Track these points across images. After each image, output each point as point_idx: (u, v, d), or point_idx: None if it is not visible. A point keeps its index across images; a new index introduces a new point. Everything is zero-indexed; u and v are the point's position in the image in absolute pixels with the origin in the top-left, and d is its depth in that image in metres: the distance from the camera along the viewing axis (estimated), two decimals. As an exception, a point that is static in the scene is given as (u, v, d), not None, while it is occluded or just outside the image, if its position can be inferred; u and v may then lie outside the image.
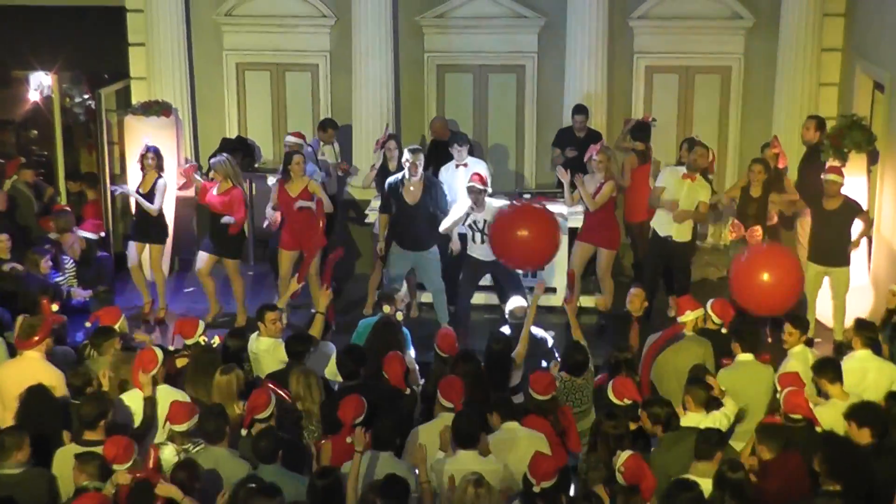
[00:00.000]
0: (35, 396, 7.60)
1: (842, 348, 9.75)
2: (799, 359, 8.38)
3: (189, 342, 8.66)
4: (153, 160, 11.63)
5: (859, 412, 7.14)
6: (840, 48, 13.11)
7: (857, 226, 10.67)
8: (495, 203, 10.93)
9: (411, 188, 11.08)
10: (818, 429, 7.34)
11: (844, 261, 10.72)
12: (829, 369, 7.86)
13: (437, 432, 7.32)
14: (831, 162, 10.96)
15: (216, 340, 8.83)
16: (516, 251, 10.11)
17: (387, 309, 9.38)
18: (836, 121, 11.83)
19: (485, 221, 10.84)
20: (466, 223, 11.02)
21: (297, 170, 11.20)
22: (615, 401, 7.64)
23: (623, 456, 6.63)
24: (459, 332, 9.97)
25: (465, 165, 11.75)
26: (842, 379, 7.83)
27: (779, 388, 7.60)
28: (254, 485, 6.36)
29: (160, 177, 11.68)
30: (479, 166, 11.78)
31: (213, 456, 7.06)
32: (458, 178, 11.70)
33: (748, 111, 13.58)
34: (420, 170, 11.07)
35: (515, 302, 9.68)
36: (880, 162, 11.42)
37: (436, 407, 7.78)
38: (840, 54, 13.12)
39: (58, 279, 11.42)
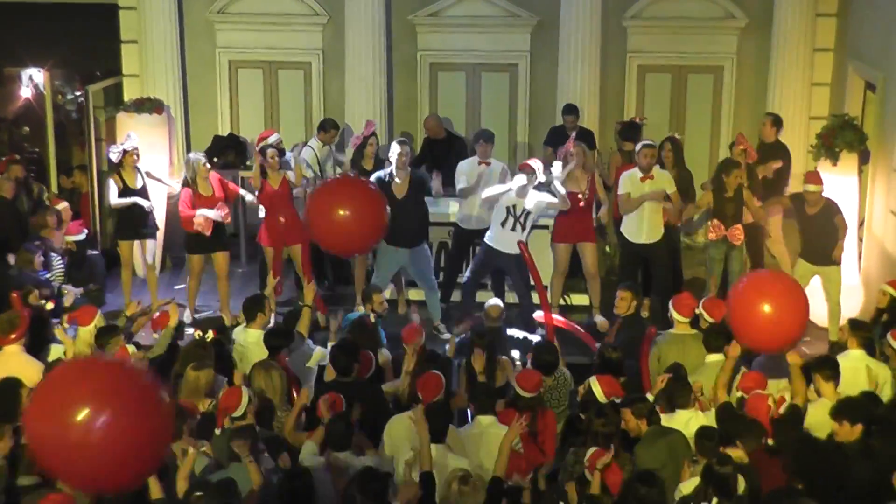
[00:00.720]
0: (6, 389, 7.52)
1: (835, 348, 9.79)
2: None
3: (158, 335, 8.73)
4: (131, 156, 11.49)
5: (847, 409, 7.14)
6: (832, 48, 13.13)
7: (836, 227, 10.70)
8: (539, 196, 10.71)
9: (398, 181, 10.86)
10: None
11: (835, 259, 10.74)
12: (826, 367, 7.86)
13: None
14: (811, 169, 11.03)
15: (210, 335, 8.77)
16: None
17: (361, 309, 9.41)
18: (828, 120, 11.82)
19: (524, 210, 10.60)
20: (504, 205, 10.65)
21: (273, 164, 11.15)
22: (601, 399, 7.64)
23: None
24: (464, 318, 9.97)
25: (488, 164, 11.36)
26: (837, 380, 7.82)
27: (739, 392, 7.72)
28: (200, 493, 6.23)
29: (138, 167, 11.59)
30: (499, 166, 11.62)
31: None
32: (475, 174, 11.32)
33: (741, 111, 13.60)
34: (408, 162, 10.95)
35: (493, 301, 9.72)
36: (871, 162, 11.44)
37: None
38: (832, 54, 13.14)
39: (47, 276, 11.37)
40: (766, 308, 8.11)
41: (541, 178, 10.71)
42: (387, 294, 10.23)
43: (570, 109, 12.55)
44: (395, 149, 10.87)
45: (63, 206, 12.27)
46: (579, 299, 11.79)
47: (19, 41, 15.42)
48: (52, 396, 5.65)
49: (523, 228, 10.70)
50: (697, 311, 8.91)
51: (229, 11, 13.91)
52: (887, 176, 11.06)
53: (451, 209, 11.65)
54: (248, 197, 11.72)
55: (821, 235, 10.64)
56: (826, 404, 7.54)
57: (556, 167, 10.83)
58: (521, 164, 10.91)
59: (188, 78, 13.96)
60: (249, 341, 8.92)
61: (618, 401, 7.56)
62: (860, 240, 11.50)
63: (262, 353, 8.56)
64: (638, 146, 11.03)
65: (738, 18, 13.38)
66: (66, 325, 9.26)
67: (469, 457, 7.28)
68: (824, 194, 10.65)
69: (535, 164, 10.75)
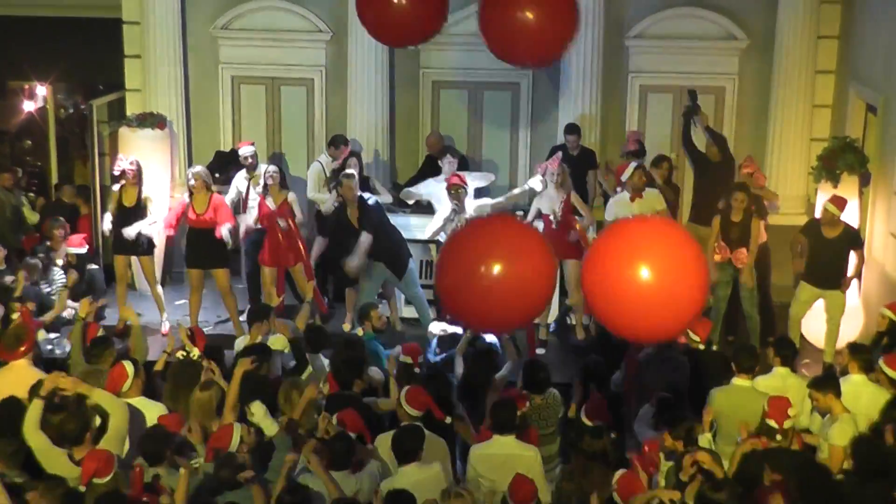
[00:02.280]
0: (8, 408, 7.44)
1: (832, 370, 9.79)
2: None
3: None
4: (133, 173, 11.46)
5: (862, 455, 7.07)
6: (833, 70, 13.16)
7: (853, 258, 10.67)
8: (479, 202, 10.95)
9: (349, 211, 11.04)
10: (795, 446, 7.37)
11: (840, 284, 10.73)
12: (831, 384, 7.82)
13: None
14: (835, 192, 10.98)
15: (195, 353, 8.69)
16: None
17: (361, 332, 9.44)
18: (829, 142, 11.85)
19: (466, 220, 10.78)
20: (451, 227, 10.92)
21: (274, 183, 11.21)
22: (586, 422, 7.63)
23: (618, 473, 6.68)
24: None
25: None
26: (840, 395, 7.80)
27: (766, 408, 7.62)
28: None
29: (141, 186, 11.57)
30: (473, 179, 11.78)
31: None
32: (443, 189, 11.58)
33: (742, 131, 13.61)
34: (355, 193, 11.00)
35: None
36: (872, 184, 11.46)
37: (399, 412, 7.75)
38: (833, 76, 13.16)
39: (46, 290, 11.39)
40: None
41: (468, 189, 11.17)
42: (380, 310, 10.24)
43: (572, 129, 12.58)
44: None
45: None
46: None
47: (23, 55, 15.48)
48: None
49: None
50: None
51: (232, 27, 13.94)
52: (888, 198, 11.08)
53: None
54: (241, 227, 11.71)
55: (833, 260, 10.61)
56: (845, 419, 7.53)
57: (534, 181, 11.00)
58: (450, 175, 11.17)
59: (191, 93, 13.98)
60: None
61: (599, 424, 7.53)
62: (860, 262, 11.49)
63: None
64: (630, 169, 11.05)
65: (740, 39, 13.40)
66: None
67: (485, 474, 7.26)
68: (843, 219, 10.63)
69: (471, 180, 11.36)
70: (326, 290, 12.41)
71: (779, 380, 8.39)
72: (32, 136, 16.73)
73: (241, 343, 9.20)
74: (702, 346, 8.89)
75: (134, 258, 11.80)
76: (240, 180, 12.12)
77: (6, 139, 16.37)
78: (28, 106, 16.57)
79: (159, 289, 11.96)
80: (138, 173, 11.49)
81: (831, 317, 10.78)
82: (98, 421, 7.33)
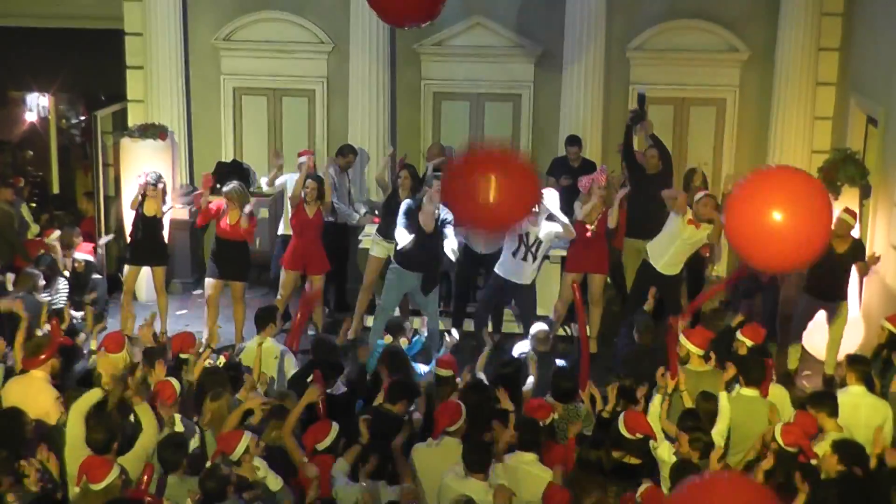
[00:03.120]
0: (7, 418, 7.47)
1: (832, 382, 9.80)
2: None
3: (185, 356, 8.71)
4: (159, 188, 11.65)
5: (843, 449, 7.12)
6: (834, 82, 13.18)
7: (855, 270, 10.71)
8: (550, 226, 10.77)
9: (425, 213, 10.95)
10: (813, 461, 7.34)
11: (842, 295, 10.73)
12: (826, 403, 7.81)
13: (439, 455, 7.29)
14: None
15: (221, 360, 8.82)
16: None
17: (403, 342, 9.46)
18: (830, 154, 11.88)
19: (537, 240, 10.74)
20: (516, 234, 10.68)
21: (312, 195, 11.34)
22: (626, 434, 7.43)
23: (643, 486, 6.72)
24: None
25: None
26: (837, 414, 7.79)
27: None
28: None
29: (164, 202, 11.77)
30: None
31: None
32: None
33: (743, 143, 13.63)
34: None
35: (538, 326, 9.72)
36: (872, 196, 11.47)
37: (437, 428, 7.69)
38: (834, 88, 13.18)
39: (49, 300, 11.38)
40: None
41: (553, 209, 10.76)
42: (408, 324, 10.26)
43: (574, 140, 12.60)
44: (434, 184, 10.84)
45: (55, 235, 12.29)
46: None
47: (24, 65, 15.49)
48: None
49: (534, 258, 10.76)
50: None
51: (234, 38, 13.98)
52: (888, 210, 11.09)
53: None
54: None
55: (839, 274, 10.61)
56: (829, 439, 7.53)
57: (576, 208, 11.11)
58: None
59: (192, 104, 14.01)
60: (265, 347, 9.21)
61: (640, 437, 7.44)
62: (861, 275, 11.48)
63: (272, 361, 8.88)
64: (699, 195, 10.82)
65: (741, 51, 13.43)
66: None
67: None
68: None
69: (548, 193, 10.75)
70: (327, 301, 12.42)
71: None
72: (34, 147, 16.74)
73: (250, 348, 9.31)
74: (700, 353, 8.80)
75: (146, 268, 11.84)
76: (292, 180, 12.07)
77: (7, 149, 16.36)
78: (30, 116, 16.58)
79: (166, 297, 11.99)
80: (164, 189, 11.76)
81: (834, 328, 10.77)
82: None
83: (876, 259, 10.81)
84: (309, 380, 8.36)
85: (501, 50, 13.74)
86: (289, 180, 11.97)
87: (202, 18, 13.92)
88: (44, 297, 11.17)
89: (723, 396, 7.97)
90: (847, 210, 10.61)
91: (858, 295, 11.34)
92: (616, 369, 9.48)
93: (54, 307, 11.28)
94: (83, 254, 12.12)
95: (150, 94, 13.66)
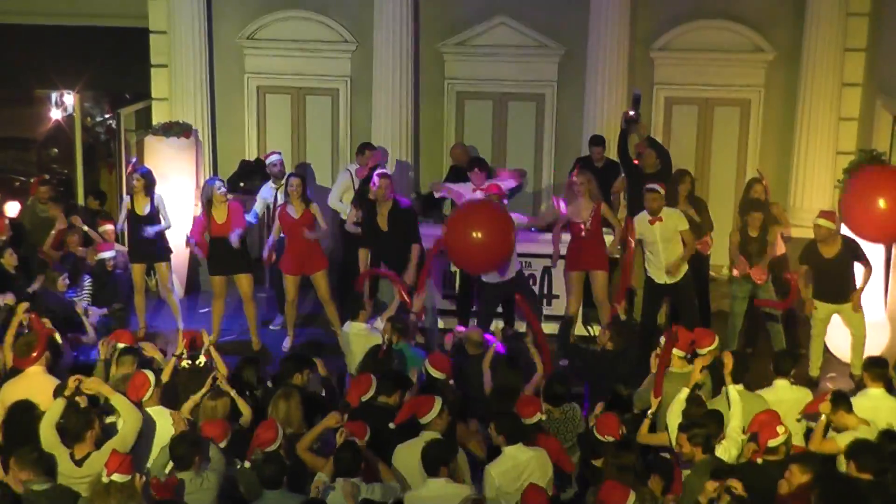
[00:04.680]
0: (21, 412, 7.57)
1: (860, 384, 9.73)
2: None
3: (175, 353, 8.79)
4: (140, 182, 11.48)
5: (859, 454, 7.07)
6: (860, 83, 13.10)
7: (860, 270, 10.55)
8: (514, 217, 10.90)
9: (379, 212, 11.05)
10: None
11: (851, 297, 10.65)
12: (840, 404, 7.82)
13: (418, 451, 7.26)
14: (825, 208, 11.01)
15: (201, 360, 8.79)
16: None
17: (398, 340, 9.47)
18: (856, 155, 11.80)
19: None
20: None
21: (296, 193, 11.26)
22: (598, 437, 7.64)
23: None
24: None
25: (483, 191, 11.66)
26: (851, 409, 7.81)
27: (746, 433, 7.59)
28: None
29: (153, 194, 11.59)
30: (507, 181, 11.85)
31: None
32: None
33: (767, 144, 13.56)
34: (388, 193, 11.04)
35: (473, 327, 9.98)
36: (899, 197, 11.36)
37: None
38: (860, 89, 13.10)
39: (74, 297, 11.45)
40: None
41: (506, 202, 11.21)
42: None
43: (598, 140, 12.55)
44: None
45: (107, 228, 12.38)
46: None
47: (50, 63, 15.58)
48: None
49: None
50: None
51: (258, 37, 14.01)
52: (915, 212, 10.98)
53: None
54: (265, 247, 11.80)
55: (839, 276, 10.52)
56: (863, 431, 7.54)
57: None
58: (490, 185, 11.08)
59: (216, 102, 14.05)
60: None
61: (610, 439, 7.54)
62: (887, 276, 11.41)
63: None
64: (650, 187, 10.95)
65: (767, 52, 13.36)
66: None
67: (507, 489, 7.25)
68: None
69: (504, 184, 11.49)
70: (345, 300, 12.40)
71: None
72: (59, 145, 16.83)
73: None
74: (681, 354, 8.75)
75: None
76: (266, 190, 12.12)
77: (33, 147, 16.47)
78: (55, 114, 16.67)
79: (175, 296, 11.96)
80: (147, 183, 11.52)
81: (854, 330, 10.70)
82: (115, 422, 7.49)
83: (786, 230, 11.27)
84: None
85: (525, 49, 13.71)
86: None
87: (226, 17, 13.97)
88: (70, 295, 11.26)
89: (732, 390, 8.03)
90: (822, 215, 10.54)
91: (884, 296, 11.26)
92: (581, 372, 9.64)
93: (81, 303, 11.39)
94: (104, 252, 12.16)
95: (174, 92, 13.72)
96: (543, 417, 7.97)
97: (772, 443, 7.27)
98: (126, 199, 11.65)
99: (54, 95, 16.62)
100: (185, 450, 7.07)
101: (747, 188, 11.69)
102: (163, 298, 12.05)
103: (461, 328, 10.23)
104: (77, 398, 7.46)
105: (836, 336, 11.03)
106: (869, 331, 10.76)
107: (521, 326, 11.48)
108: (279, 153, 12.42)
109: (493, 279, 10.89)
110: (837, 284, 10.53)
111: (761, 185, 11.42)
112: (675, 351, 8.58)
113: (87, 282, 11.81)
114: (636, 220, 11.01)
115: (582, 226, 11.16)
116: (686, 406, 7.86)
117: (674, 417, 7.83)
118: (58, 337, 9.18)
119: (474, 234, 10.09)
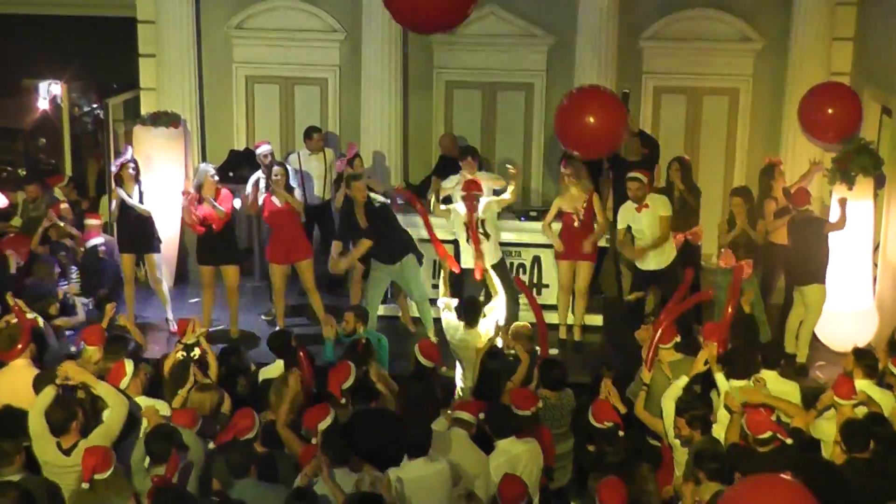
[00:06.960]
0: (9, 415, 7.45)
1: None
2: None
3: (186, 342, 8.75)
4: (134, 171, 11.49)
5: (849, 437, 7.17)
6: (848, 72, 13.12)
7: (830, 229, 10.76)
8: (484, 199, 11.05)
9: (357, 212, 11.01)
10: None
11: (816, 278, 10.73)
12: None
13: None
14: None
15: (196, 352, 8.71)
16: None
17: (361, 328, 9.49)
18: (844, 145, 11.82)
19: (482, 221, 10.94)
20: (462, 223, 11.00)
21: (280, 183, 11.25)
22: (595, 424, 7.61)
23: None
24: None
25: None
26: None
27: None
28: None
29: (139, 182, 11.58)
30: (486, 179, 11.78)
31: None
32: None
33: (756, 133, 13.60)
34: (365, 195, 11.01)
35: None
36: (887, 186, 11.42)
37: None
38: (848, 78, 13.12)
39: (64, 287, 11.44)
40: None
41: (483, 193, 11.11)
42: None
43: (586, 130, 12.54)
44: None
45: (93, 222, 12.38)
46: (591, 319, 11.79)
47: (37, 53, 15.53)
48: None
49: (487, 236, 10.92)
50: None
51: (247, 27, 13.98)
52: (903, 200, 11.06)
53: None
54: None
55: (801, 252, 10.71)
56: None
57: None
58: (468, 182, 11.08)
59: (205, 92, 14.01)
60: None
61: (609, 425, 7.55)
62: (875, 265, 11.47)
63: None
64: (627, 179, 10.99)
65: (755, 41, 13.39)
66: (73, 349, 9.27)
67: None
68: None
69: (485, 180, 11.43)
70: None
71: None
72: (46, 135, 16.78)
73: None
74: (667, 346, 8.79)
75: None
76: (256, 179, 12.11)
77: (20, 137, 16.43)
78: (42, 104, 16.62)
79: (164, 286, 11.92)
80: (138, 172, 11.55)
81: (809, 312, 10.83)
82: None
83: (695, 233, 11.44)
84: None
85: (514, 38, 13.71)
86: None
87: (214, 6, 13.92)
88: (61, 285, 11.25)
89: (719, 376, 8.10)
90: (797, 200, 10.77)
91: (872, 285, 11.32)
92: None
93: (67, 294, 11.38)
94: (92, 240, 12.14)
95: (162, 82, 13.66)
96: (540, 406, 7.96)
97: (762, 436, 7.30)
98: (119, 190, 11.53)
99: (42, 85, 16.54)
100: (159, 444, 6.92)
101: (766, 175, 11.75)
102: (152, 289, 12.03)
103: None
104: (70, 384, 7.46)
105: (824, 324, 11.09)
106: (856, 320, 10.85)
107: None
108: (269, 143, 12.42)
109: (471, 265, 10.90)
110: (800, 262, 10.73)
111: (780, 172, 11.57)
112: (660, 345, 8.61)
113: (75, 272, 11.79)
114: (623, 208, 11.05)
115: (574, 216, 11.18)
116: (682, 394, 7.89)
117: (669, 402, 7.86)
118: (41, 321, 9.18)
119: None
